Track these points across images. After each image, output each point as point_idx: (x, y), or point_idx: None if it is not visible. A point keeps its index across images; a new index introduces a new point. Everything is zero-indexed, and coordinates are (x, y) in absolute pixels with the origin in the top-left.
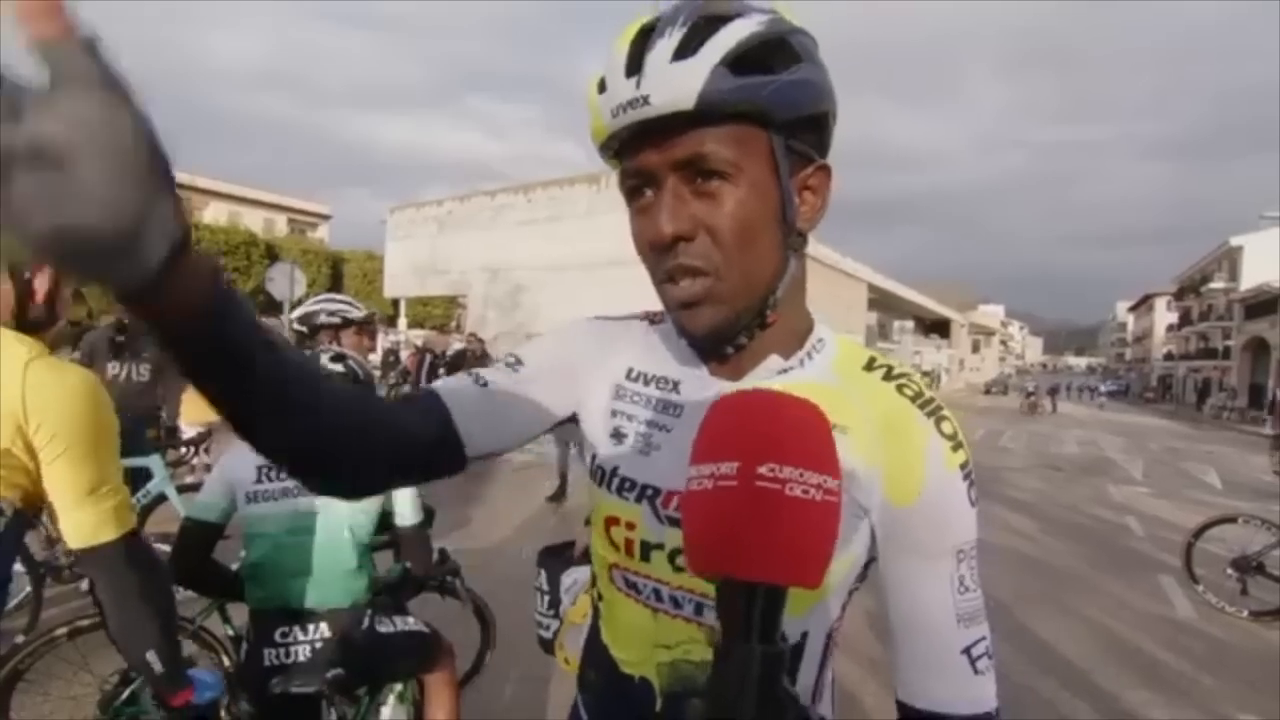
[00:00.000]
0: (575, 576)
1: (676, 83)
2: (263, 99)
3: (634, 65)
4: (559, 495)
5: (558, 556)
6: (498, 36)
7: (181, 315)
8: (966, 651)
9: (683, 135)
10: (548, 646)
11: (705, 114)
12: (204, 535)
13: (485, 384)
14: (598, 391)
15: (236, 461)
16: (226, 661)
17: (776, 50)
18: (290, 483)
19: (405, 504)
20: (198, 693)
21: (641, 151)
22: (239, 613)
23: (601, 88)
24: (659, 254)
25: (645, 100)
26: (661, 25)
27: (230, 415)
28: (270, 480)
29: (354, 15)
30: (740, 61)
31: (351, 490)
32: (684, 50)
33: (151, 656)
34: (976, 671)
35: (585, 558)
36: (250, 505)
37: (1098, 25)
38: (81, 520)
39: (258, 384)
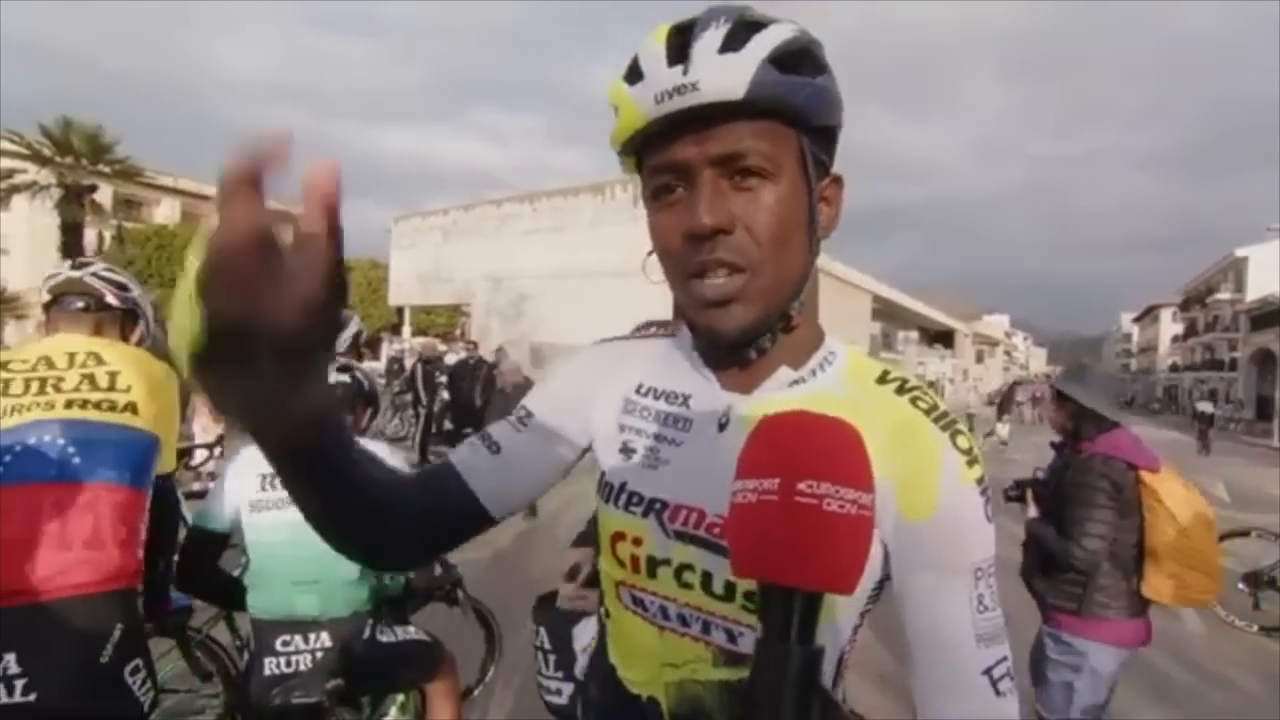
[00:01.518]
0: (593, 630)
1: (726, 72)
2: (268, 110)
3: (678, 55)
4: (531, 512)
5: (557, 610)
6: (501, 46)
7: (301, 446)
8: (988, 672)
9: (723, 128)
10: (561, 713)
11: (749, 108)
12: (210, 544)
13: (497, 449)
14: (606, 410)
15: (239, 470)
16: (232, 671)
17: (808, 57)
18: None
19: None
20: (174, 603)
21: (676, 145)
22: (245, 622)
23: (632, 79)
24: (692, 247)
25: (694, 87)
26: (703, 21)
27: (297, 504)
28: (273, 489)
29: (357, 24)
30: (782, 61)
31: (389, 565)
32: (731, 44)
33: (162, 565)
34: (998, 693)
35: (590, 584)
36: (253, 514)
37: (1096, 34)
38: (166, 456)
39: (320, 487)
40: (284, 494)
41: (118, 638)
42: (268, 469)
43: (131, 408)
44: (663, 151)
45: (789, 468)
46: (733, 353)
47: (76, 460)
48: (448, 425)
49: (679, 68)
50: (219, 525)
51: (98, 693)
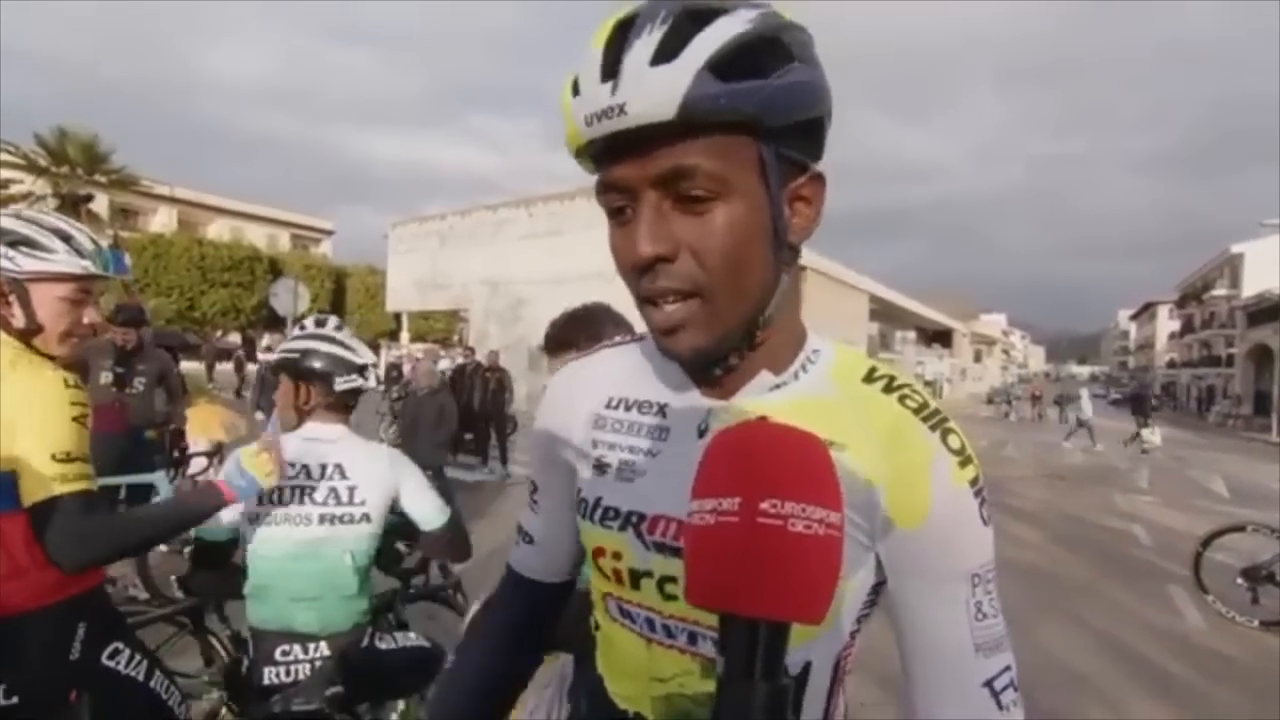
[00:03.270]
0: None
1: (655, 90)
2: (265, 116)
3: (610, 69)
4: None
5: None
6: (498, 52)
7: None
8: (989, 684)
9: (663, 147)
10: None
11: (688, 124)
12: (215, 553)
13: (532, 540)
14: (579, 432)
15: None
16: (224, 658)
17: (767, 50)
18: (291, 508)
19: (424, 508)
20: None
21: (618, 164)
22: (234, 610)
23: (576, 89)
24: (638, 275)
25: (621, 110)
26: (640, 22)
27: None
28: (272, 503)
29: (356, 31)
30: (727, 65)
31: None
32: (664, 53)
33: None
34: (1000, 706)
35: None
36: (253, 526)
37: (1097, 37)
38: (27, 481)
39: None
40: (284, 510)
41: (83, 634)
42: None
43: None
44: (607, 168)
45: (751, 485)
46: (702, 369)
47: None
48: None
49: (609, 84)
50: (221, 535)
51: (79, 683)
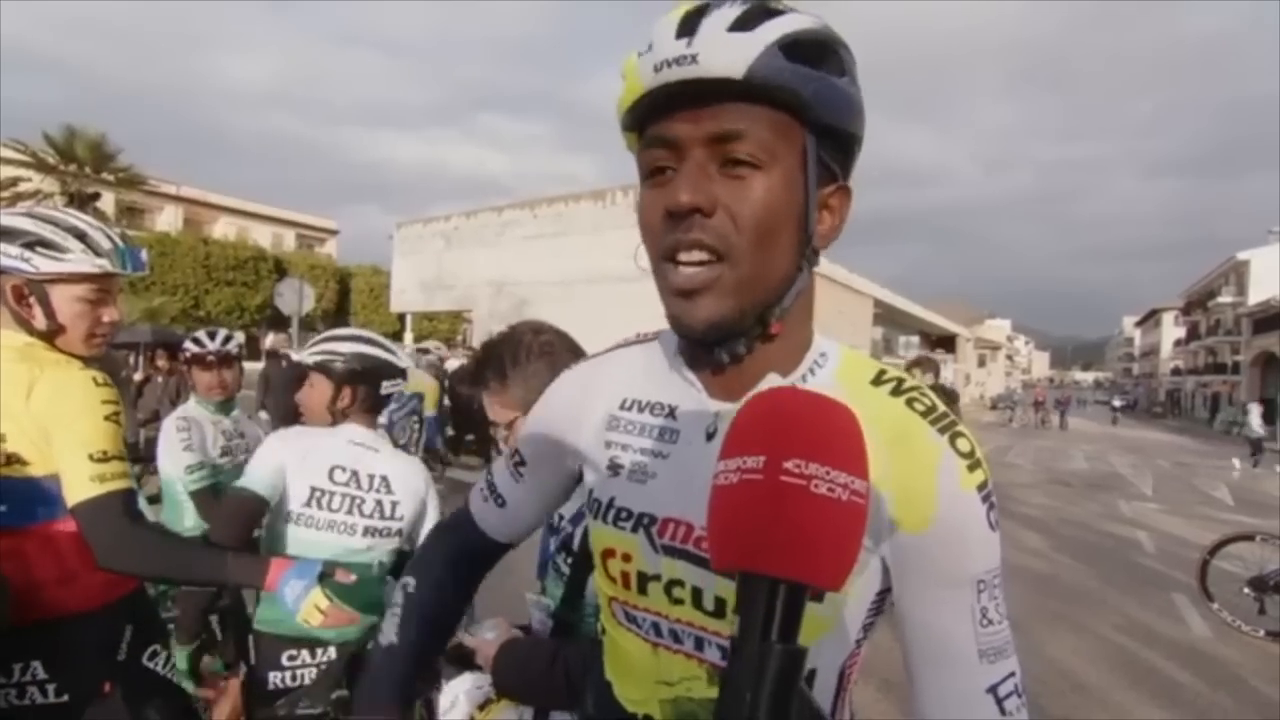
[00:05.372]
0: (456, 692)
1: (729, 50)
2: (272, 118)
3: (687, 29)
4: None
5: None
6: (507, 58)
7: None
8: (993, 690)
9: (719, 107)
10: None
11: (750, 90)
12: (253, 508)
13: (503, 502)
14: (592, 429)
15: (298, 463)
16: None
17: (826, 53)
18: (339, 516)
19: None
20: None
21: (671, 120)
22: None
23: (643, 50)
24: (669, 225)
25: (693, 59)
26: (717, 3)
27: None
28: (320, 508)
29: (365, 38)
30: (794, 49)
31: None
32: (741, 24)
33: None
34: (1004, 712)
35: (466, 662)
36: (291, 525)
37: (1102, 39)
38: (71, 481)
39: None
40: (330, 516)
41: (129, 636)
42: (318, 481)
43: (17, 459)
44: (658, 125)
45: (776, 445)
46: (709, 354)
47: (2, 508)
48: (449, 430)
49: (684, 40)
50: (264, 490)
51: (123, 682)
